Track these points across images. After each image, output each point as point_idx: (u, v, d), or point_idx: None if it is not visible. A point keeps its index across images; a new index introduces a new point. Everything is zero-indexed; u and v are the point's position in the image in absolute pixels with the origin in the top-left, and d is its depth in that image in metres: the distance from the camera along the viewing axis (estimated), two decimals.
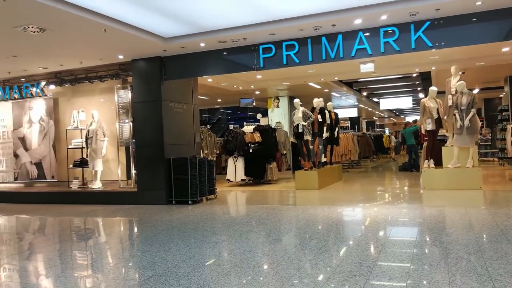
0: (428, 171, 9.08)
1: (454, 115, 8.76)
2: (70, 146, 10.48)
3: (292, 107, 14.57)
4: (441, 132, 9.88)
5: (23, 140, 11.44)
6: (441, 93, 9.76)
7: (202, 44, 8.17)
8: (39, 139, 11.24)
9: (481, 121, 14.09)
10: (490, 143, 15.81)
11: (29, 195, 10.51)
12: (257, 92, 15.94)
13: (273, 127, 12.96)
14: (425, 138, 9.97)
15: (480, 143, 15.36)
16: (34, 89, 10.63)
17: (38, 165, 11.23)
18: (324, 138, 11.13)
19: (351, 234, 5.55)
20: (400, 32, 7.18)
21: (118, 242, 5.97)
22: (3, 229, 7.54)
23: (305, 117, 10.20)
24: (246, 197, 10.00)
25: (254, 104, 16.63)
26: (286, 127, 15.43)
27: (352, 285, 3.38)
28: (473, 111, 8.60)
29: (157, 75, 8.95)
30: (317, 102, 10.93)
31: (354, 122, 28.64)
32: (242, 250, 4.68)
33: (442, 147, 9.31)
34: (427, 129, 9.31)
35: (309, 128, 10.23)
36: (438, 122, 9.26)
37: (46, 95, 10.82)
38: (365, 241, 4.96)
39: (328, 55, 7.67)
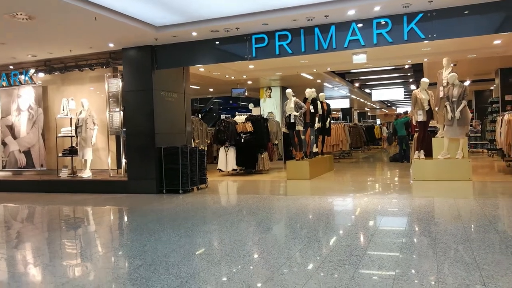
0: (418, 162, 9.15)
1: (445, 106, 8.82)
2: (59, 135, 10.37)
3: (284, 98, 14.54)
4: (432, 123, 9.95)
5: (11, 128, 11.29)
6: (432, 84, 9.81)
7: (194, 34, 8.08)
8: (27, 127, 11.11)
9: (471, 113, 14.22)
10: (480, 135, 15.96)
11: (18, 183, 10.41)
12: (249, 82, 15.88)
13: (265, 117, 12.94)
14: (416, 129, 10.03)
15: (470, 135, 15.50)
16: (22, 76, 10.46)
17: (27, 153, 11.11)
18: (316, 128, 11.14)
19: (341, 223, 5.58)
20: (393, 24, 7.17)
21: (107, 231, 5.94)
22: None
23: (297, 107, 10.19)
24: (237, 186, 10.01)
25: (246, 94, 16.56)
26: (278, 117, 15.42)
27: (342, 274, 3.41)
28: (464, 102, 8.66)
29: (148, 64, 8.86)
30: (310, 92, 10.92)
31: (346, 113, 28.72)
32: (233, 240, 4.69)
33: (433, 138, 9.39)
34: (418, 120, 9.36)
35: (301, 118, 10.23)
36: (429, 114, 9.32)
37: (35, 83, 10.67)
38: (355, 230, 4.99)
39: (321, 45, 7.64)
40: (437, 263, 3.58)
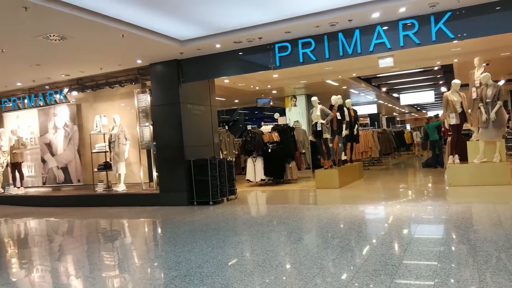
0: (453, 167, 8.87)
1: (479, 108, 8.53)
2: (94, 151, 10.69)
3: (309, 106, 14.47)
4: (466, 126, 9.64)
5: (49, 145, 11.73)
6: (464, 86, 9.52)
7: (218, 45, 8.19)
8: (64, 144, 11.50)
9: (508, 113, 13.68)
10: None
11: (57, 198, 10.76)
12: (274, 92, 15.90)
13: (291, 126, 12.91)
14: (449, 133, 9.74)
15: (508, 137, 14.91)
16: (57, 96, 10.87)
17: (65, 169, 11.49)
18: (343, 135, 11.01)
19: (374, 232, 5.47)
20: (420, 25, 7.03)
21: (143, 243, 6.05)
22: (34, 232, 7.74)
23: (324, 115, 10.11)
24: (266, 197, 9.99)
25: (271, 103, 16.59)
26: (304, 126, 15.34)
27: (378, 284, 3.33)
28: (499, 103, 8.35)
29: (175, 78, 9.03)
30: (336, 99, 10.82)
31: (374, 118, 28.26)
32: (264, 250, 4.67)
33: (467, 142, 9.08)
34: (451, 124, 9.09)
35: (328, 126, 10.13)
36: (462, 116, 9.03)
37: (69, 101, 11.06)
38: (389, 239, 4.88)
39: (346, 51, 7.58)
40: (478, 272, 3.44)
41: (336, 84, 15.18)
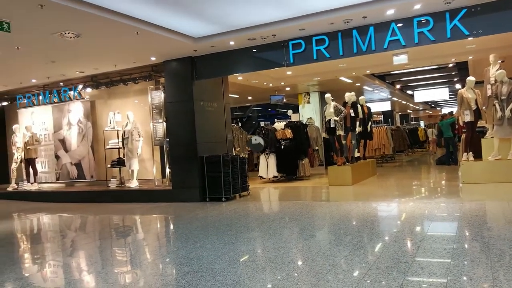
0: (467, 164, 8.77)
1: (494, 105, 8.41)
2: (107, 147, 10.81)
3: (323, 103, 14.40)
4: (480, 123, 9.51)
5: (63, 142, 11.90)
6: (479, 83, 9.39)
7: (232, 43, 8.21)
8: (78, 140, 11.66)
9: None
10: None
11: (70, 194, 10.93)
12: (288, 89, 15.88)
13: (304, 123, 12.87)
14: (463, 130, 9.62)
15: None
16: (72, 92, 11.02)
17: (78, 165, 11.66)
18: (357, 132, 10.96)
19: (387, 229, 5.44)
20: (435, 21, 6.95)
21: (155, 239, 6.11)
22: (47, 227, 7.89)
23: (337, 112, 10.07)
24: (278, 193, 10.01)
25: (284, 100, 16.56)
26: (317, 123, 15.29)
27: (390, 281, 3.32)
28: None
29: (188, 75, 9.08)
30: (349, 96, 10.76)
31: (388, 115, 28.02)
32: (276, 246, 4.69)
33: (482, 139, 8.97)
34: (466, 121, 8.98)
35: (341, 123, 10.09)
36: (477, 113, 8.92)
37: (84, 98, 11.20)
38: (402, 236, 4.85)
39: (360, 48, 7.53)
40: (492, 270, 3.41)
41: (349, 81, 15.09)
